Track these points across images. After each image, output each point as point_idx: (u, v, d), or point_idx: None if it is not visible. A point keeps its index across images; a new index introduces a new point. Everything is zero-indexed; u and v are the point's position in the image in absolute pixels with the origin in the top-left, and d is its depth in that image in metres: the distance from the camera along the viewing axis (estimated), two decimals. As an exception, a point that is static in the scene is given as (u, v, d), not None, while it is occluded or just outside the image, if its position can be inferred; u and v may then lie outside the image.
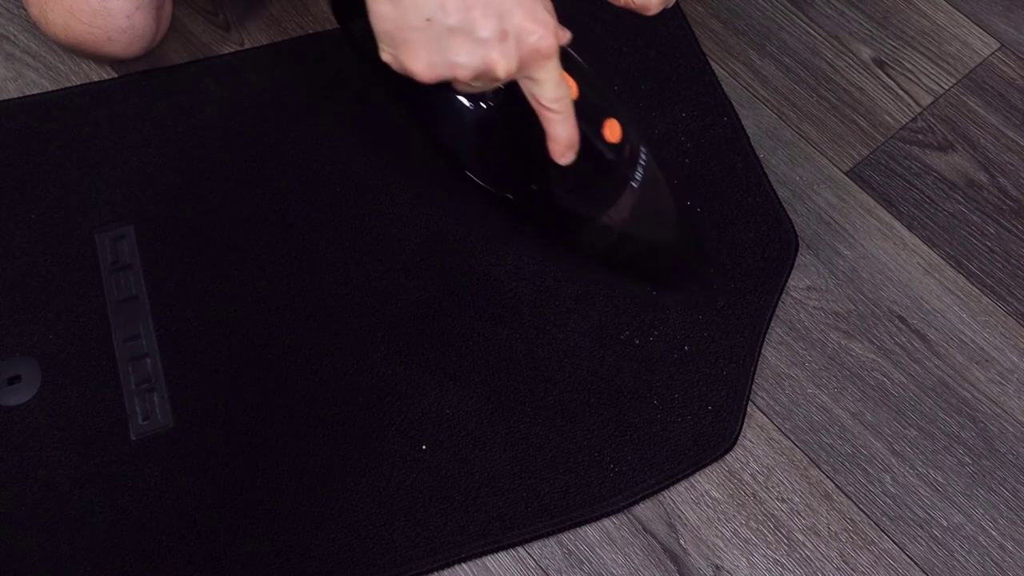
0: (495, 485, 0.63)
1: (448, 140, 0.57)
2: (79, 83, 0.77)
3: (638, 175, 0.57)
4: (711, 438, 0.65)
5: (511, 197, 0.58)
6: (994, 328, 0.70)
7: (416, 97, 0.54)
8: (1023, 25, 0.82)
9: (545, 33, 0.46)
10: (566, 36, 0.49)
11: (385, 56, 0.47)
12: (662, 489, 0.64)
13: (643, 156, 0.57)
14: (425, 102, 0.55)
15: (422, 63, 0.46)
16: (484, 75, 0.47)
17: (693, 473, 0.64)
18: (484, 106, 0.54)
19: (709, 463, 0.65)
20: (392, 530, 0.62)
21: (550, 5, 0.48)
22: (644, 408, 0.66)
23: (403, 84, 0.48)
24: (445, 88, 0.49)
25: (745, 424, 0.66)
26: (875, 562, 0.62)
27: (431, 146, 0.59)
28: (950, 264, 0.72)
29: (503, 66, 0.46)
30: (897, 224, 0.74)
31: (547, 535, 0.62)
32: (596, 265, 0.67)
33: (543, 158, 0.52)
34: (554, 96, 0.49)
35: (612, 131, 0.54)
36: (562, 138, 0.50)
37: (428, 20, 0.45)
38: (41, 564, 0.60)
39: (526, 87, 0.49)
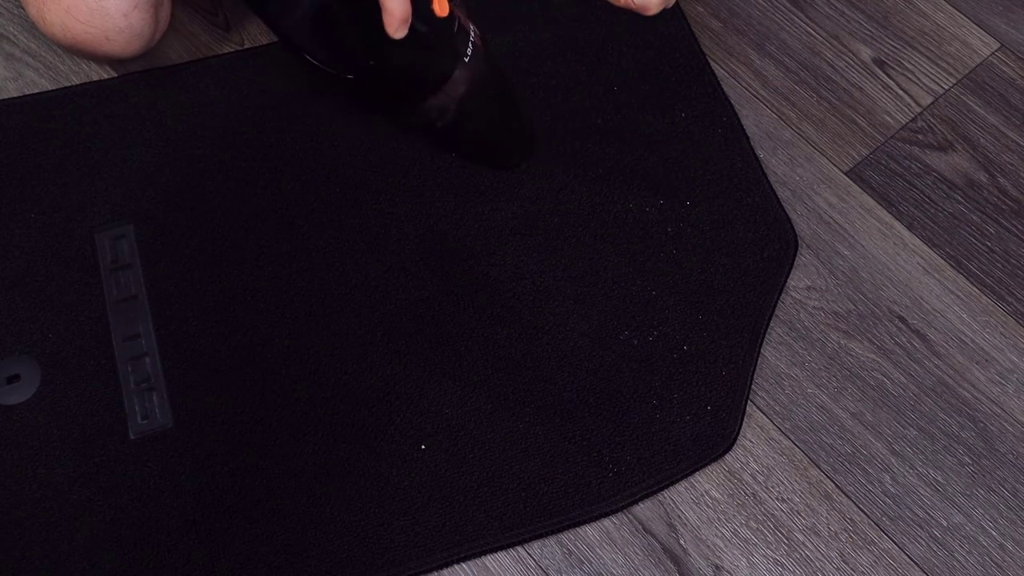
0: (494, 485, 0.63)
1: (289, 28, 0.60)
2: (79, 83, 0.77)
3: (468, 50, 0.61)
4: (710, 438, 0.65)
5: (351, 77, 0.61)
6: (994, 328, 0.70)
7: None
8: (1023, 25, 0.82)
9: None
10: None
11: None
12: (661, 489, 0.64)
13: (473, 32, 0.61)
14: None
15: None
16: None
17: (692, 473, 0.64)
18: None
19: (708, 463, 0.65)
20: (391, 529, 0.62)
21: None
22: (643, 408, 0.66)
23: None
24: None
25: (745, 424, 0.66)
26: (875, 562, 0.62)
27: (277, 38, 0.62)
28: (950, 264, 0.72)
29: None
30: (897, 224, 0.74)
31: (546, 535, 0.62)
32: (439, 145, 0.72)
33: (379, 35, 0.55)
34: None
35: (440, 5, 0.57)
36: (396, 11, 0.54)
37: None
38: (40, 562, 0.60)
39: None
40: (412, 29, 0.55)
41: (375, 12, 0.54)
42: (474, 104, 0.64)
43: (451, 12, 0.58)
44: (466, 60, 0.61)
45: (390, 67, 0.60)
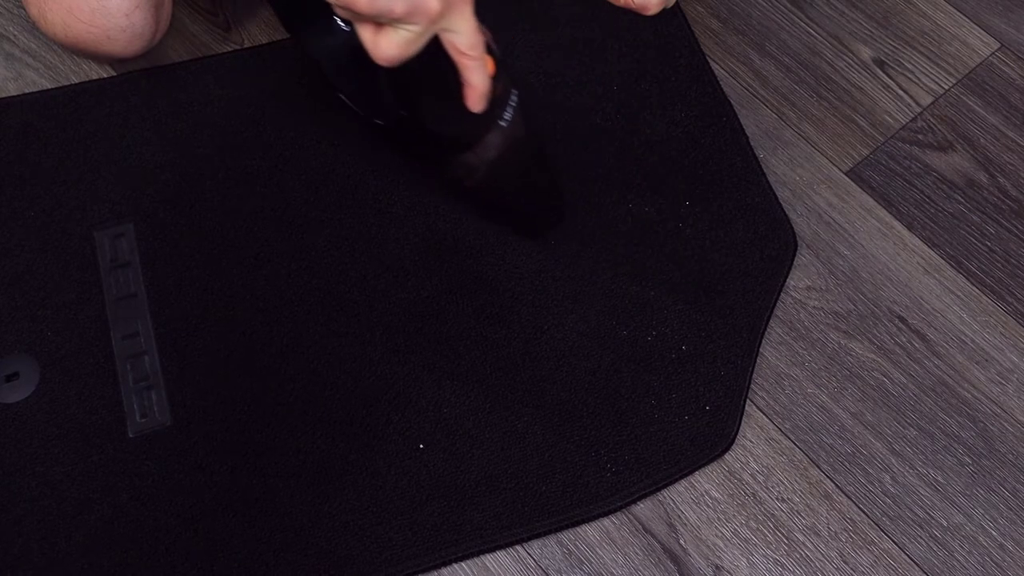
0: (492, 484, 0.63)
1: (322, 57, 0.59)
2: (79, 81, 0.77)
3: (507, 115, 0.60)
4: (708, 438, 0.65)
5: (380, 123, 0.60)
6: (994, 328, 0.70)
7: (302, 19, 0.57)
8: (1023, 25, 0.82)
9: None
10: None
11: None
12: (659, 489, 0.63)
13: (513, 97, 0.60)
14: (308, 23, 0.58)
15: None
16: (415, 13, 0.49)
17: (690, 473, 0.64)
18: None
19: (706, 463, 0.64)
20: (389, 528, 0.61)
21: None
22: (641, 408, 0.66)
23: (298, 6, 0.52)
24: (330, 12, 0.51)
25: (745, 424, 0.66)
26: (875, 562, 0.62)
27: (310, 64, 0.60)
28: (950, 264, 0.72)
29: (434, 6, 0.49)
30: (897, 224, 0.74)
31: (544, 534, 0.62)
32: (469, 200, 0.71)
33: (416, 87, 0.54)
34: (471, 43, 0.52)
35: (488, 67, 0.56)
36: (479, 84, 0.54)
37: None
38: (38, 560, 0.60)
39: (445, 38, 0.52)
40: (453, 86, 0.54)
41: (417, 62, 0.52)
42: (506, 169, 0.63)
43: (495, 74, 0.56)
44: (503, 124, 0.60)
45: (421, 121, 0.59)
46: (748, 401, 0.67)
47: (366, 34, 0.50)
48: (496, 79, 0.56)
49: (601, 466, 0.64)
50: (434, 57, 0.52)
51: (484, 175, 0.62)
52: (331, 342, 0.67)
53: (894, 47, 0.81)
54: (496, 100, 0.58)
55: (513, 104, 0.60)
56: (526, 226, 0.71)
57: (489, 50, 0.55)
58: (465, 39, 0.52)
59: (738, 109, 0.78)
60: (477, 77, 0.54)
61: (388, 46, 0.50)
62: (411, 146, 0.65)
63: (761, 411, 0.67)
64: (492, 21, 0.84)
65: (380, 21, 0.50)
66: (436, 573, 0.61)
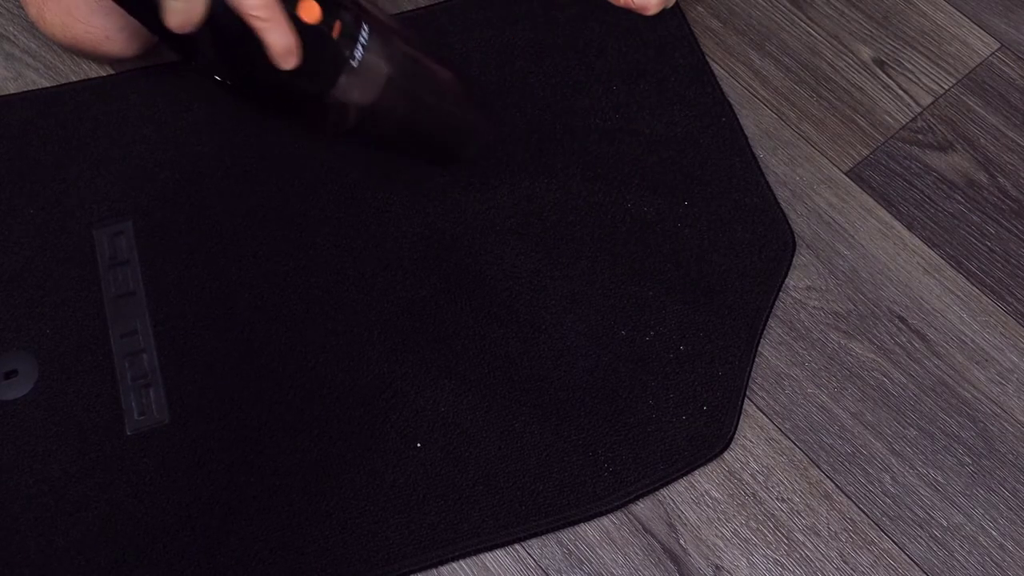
0: (489, 483, 0.63)
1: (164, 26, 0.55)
2: (78, 80, 0.77)
3: (357, 54, 0.56)
4: (706, 438, 0.65)
5: (227, 81, 0.57)
6: (994, 328, 0.69)
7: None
8: (1023, 25, 0.82)
9: None
10: None
11: None
12: (657, 489, 0.63)
13: (364, 34, 0.57)
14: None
15: None
16: None
17: (688, 473, 0.64)
18: None
19: (704, 463, 0.64)
20: (386, 527, 0.61)
21: None
22: (639, 408, 0.65)
23: None
24: None
25: (745, 424, 0.66)
26: (875, 562, 0.62)
27: (160, 35, 0.56)
28: (950, 264, 0.72)
29: None
30: (897, 224, 0.74)
31: (541, 534, 0.62)
32: (367, 150, 0.67)
33: (232, 45, 0.52)
34: (255, 3, 0.50)
35: (309, 12, 0.54)
36: (277, 43, 0.51)
37: None
38: (35, 558, 0.60)
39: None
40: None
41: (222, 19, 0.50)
42: (382, 107, 0.59)
43: (323, 18, 0.54)
44: (354, 64, 0.56)
45: (263, 76, 0.55)
46: (748, 401, 0.67)
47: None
48: (325, 23, 0.54)
49: (598, 465, 0.63)
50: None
51: (358, 118, 0.59)
52: (329, 340, 0.67)
53: (894, 47, 0.81)
54: (339, 41, 0.55)
55: (363, 41, 0.56)
56: (436, 156, 0.69)
57: None
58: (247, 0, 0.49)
59: (738, 109, 0.78)
60: (273, 36, 0.50)
61: (170, 16, 0.49)
62: (261, 101, 0.61)
63: (761, 411, 0.66)
64: (493, 21, 0.83)
65: None
66: (435, 572, 0.61)
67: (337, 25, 0.55)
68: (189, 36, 0.53)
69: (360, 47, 0.57)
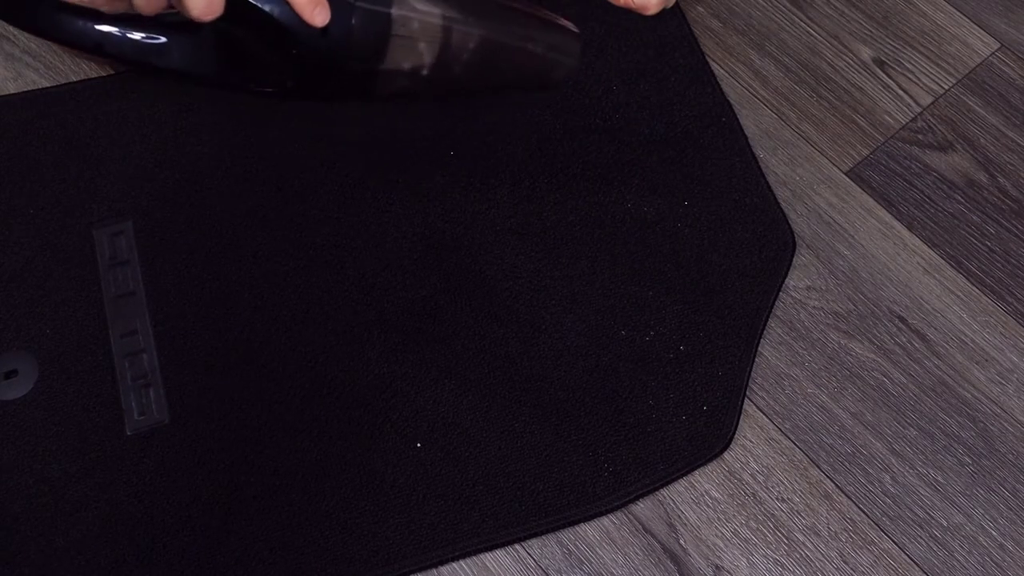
0: (489, 483, 0.63)
1: (190, 66, 0.52)
2: (78, 80, 0.77)
3: (393, 12, 0.52)
4: (706, 438, 0.65)
5: (273, 91, 0.53)
6: (994, 328, 0.69)
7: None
8: (1023, 25, 0.82)
9: None
10: None
11: None
12: (656, 489, 0.63)
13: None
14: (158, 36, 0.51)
15: None
16: None
17: (688, 473, 0.64)
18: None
19: (704, 463, 0.64)
20: (386, 527, 0.61)
21: None
22: (639, 408, 0.65)
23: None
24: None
25: (745, 424, 0.66)
26: (875, 562, 0.62)
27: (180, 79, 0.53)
28: (950, 264, 0.72)
29: None
30: (897, 224, 0.74)
31: (540, 534, 0.62)
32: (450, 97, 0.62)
33: (283, 49, 0.49)
34: None
35: None
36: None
37: None
38: (36, 557, 0.60)
39: None
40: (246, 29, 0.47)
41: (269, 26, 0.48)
42: (444, 59, 0.54)
43: None
44: (354, 23, 0.50)
45: (306, 75, 0.52)
46: (748, 401, 0.67)
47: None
48: None
49: (598, 465, 0.63)
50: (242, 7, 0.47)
51: (427, 77, 0.54)
52: (329, 340, 0.67)
53: (894, 47, 0.81)
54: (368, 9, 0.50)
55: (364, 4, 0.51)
56: (536, 83, 0.61)
57: None
58: None
59: (738, 109, 0.78)
60: None
61: (190, 5, 0.47)
62: (323, 95, 0.55)
63: (761, 411, 0.66)
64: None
65: None
66: (435, 572, 0.61)
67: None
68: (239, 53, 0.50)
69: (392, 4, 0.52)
